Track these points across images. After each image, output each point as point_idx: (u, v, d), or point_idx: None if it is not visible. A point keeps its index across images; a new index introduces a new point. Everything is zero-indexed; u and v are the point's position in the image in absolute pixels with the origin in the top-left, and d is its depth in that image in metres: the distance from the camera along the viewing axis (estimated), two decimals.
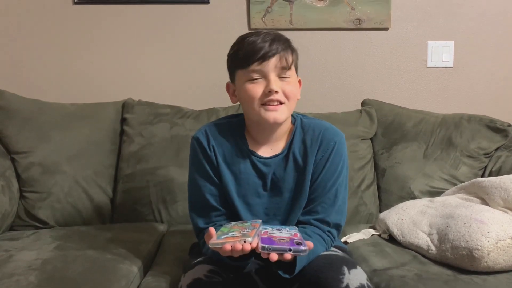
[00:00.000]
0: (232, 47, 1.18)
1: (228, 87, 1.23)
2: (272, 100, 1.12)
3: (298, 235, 1.01)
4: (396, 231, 1.49)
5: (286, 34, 2.01)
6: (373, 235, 1.57)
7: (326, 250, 1.17)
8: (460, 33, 2.11)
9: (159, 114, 1.85)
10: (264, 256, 0.94)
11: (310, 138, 1.21)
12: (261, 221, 1.08)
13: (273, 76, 1.12)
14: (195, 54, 2.09)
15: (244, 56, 1.13)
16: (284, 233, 1.01)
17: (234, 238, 0.96)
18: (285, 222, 1.21)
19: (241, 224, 1.06)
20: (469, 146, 1.80)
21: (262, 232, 1.01)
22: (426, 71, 2.14)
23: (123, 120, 1.86)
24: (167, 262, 1.37)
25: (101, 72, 2.08)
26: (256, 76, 1.12)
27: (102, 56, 2.08)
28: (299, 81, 1.23)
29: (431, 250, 1.37)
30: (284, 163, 1.20)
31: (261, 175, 1.20)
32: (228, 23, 2.07)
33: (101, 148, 1.80)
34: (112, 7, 2.06)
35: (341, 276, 1.00)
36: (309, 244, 0.97)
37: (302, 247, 0.93)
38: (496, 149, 1.83)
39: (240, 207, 1.20)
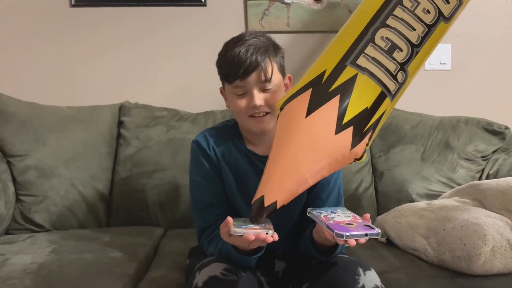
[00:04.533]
0: (219, 55, 1.22)
1: (221, 92, 1.28)
2: (257, 113, 1.16)
3: (357, 216, 1.01)
4: (393, 235, 1.49)
5: (283, 36, 2.07)
6: (370, 238, 1.57)
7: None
8: (457, 36, 2.12)
9: (156, 117, 1.85)
10: (340, 242, 0.95)
11: None
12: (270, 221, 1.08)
13: (255, 91, 1.15)
14: (192, 57, 2.08)
15: (227, 72, 1.18)
16: (342, 216, 1.01)
17: (255, 229, 0.96)
18: (285, 219, 1.22)
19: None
20: (466, 148, 1.81)
21: (323, 217, 0.99)
22: (423, 74, 2.13)
23: (120, 123, 1.85)
24: (164, 266, 1.37)
25: (97, 74, 2.08)
26: (240, 92, 1.17)
27: (99, 58, 2.07)
28: (289, 78, 1.25)
29: (429, 254, 1.36)
30: None
31: (260, 173, 1.22)
32: (225, 26, 2.07)
33: (98, 151, 1.80)
34: (109, 9, 2.06)
35: (357, 277, 1.02)
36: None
37: (376, 231, 0.93)
38: (494, 152, 1.84)
39: (242, 205, 1.23)
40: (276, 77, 1.19)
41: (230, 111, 1.83)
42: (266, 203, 0.97)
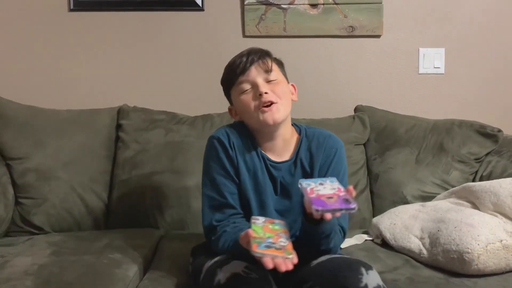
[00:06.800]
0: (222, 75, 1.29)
1: (230, 111, 1.33)
2: (265, 102, 1.20)
3: (342, 189, 1.03)
4: (388, 236, 1.51)
5: (280, 41, 2.10)
6: (366, 240, 1.59)
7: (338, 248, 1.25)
8: (450, 40, 2.15)
9: (154, 120, 1.86)
10: (317, 216, 0.99)
11: (315, 146, 1.28)
12: (286, 223, 1.09)
13: (260, 81, 1.22)
14: (190, 61, 2.10)
15: (229, 75, 1.26)
16: (328, 188, 1.03)
17: (275, 251, 0.96)
18: (294, 223, 1.23)
19: (271, 226, 1.06)
20: (460, 151, 1.83)
21: (308, 190, 1.02)
22: (417, 78, 2.16)
23: (119, 126, 1.87)
24: (164, 267, 1.38)
25: (96, 78, 2.09)
26: (245, 87, 1.23)
27: (98, 62, 2.09)
28: (293, 86, 1.32)
29: (423, 254, 1.38)
30: (293, 169, 1.27)
31: (272, 177, 1.26)
32: (222, 30, 2.09)
33: (97, 154, 1.81)
34: (107, 14, 2.08)
35: (360, 276, 1.03)
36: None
37: (352, 205, 0.96)
38: (487, 154, 1.86)
39: (255, 206, 1.24)
40: (277, 72, 1.25)
41: (228, 114, 1.85)
42: None
